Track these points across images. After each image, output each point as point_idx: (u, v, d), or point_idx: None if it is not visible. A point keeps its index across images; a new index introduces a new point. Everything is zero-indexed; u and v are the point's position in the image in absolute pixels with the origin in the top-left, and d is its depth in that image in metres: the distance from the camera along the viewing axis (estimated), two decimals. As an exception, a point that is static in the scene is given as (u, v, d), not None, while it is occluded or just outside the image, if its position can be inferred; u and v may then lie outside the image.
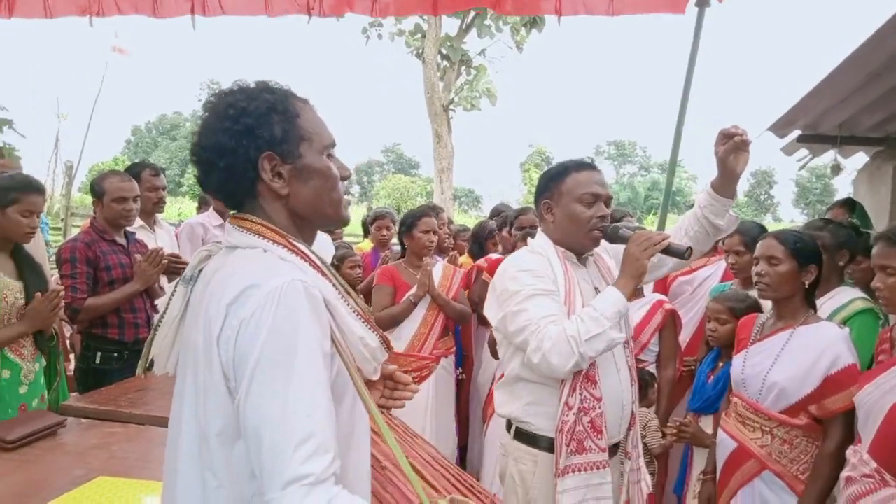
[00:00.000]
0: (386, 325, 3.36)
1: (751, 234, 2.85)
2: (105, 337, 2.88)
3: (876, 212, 4.22)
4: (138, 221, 3.22)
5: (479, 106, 16.17)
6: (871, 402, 1.75)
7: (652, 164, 52.69)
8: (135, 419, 2.30)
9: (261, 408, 0.93)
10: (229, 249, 1.10)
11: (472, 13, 14.37)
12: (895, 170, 4.36)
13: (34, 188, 2.48)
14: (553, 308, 1.85)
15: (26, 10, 4.34)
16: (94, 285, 2.84)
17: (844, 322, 2.22)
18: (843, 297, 2.35)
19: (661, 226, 3.63)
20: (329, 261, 4.00)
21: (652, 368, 2.99)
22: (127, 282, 2.90)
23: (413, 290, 3.32)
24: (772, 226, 3.75)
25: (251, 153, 1.06)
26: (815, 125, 4.30)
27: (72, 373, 3.08)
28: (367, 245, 4.91)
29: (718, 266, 3.43)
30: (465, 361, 3.73)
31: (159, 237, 3.49)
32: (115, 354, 2.88)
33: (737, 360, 2.21)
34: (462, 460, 3.62)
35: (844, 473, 1.80)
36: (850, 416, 1.94)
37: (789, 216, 44.25)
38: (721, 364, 2.65)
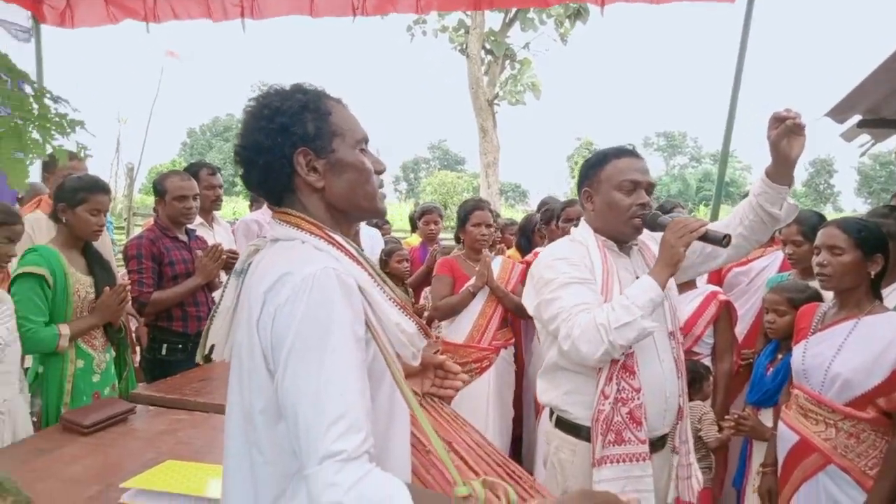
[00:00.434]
0: (445, 314, 3.40)
1: (809, 224, 2.78)
2: (170, 329, 3.01)
3: (945, 198, 4.02)
4: (198, 219, 3.34)
5: (523, 100, 16.08)
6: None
7: (703, 155, 51.32)
8: (199, 407, 2.40)
9: (296, 388, 0.97)
10: (272, 242, 1.16)
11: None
12: (965, 154, 4.15)
13: (101, 188, 2.60)
14: (587, 296, 1.83)
15: (90, 18, 4.54)
16: (159, 280, 2.97)
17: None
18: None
19: (714, 217, 3.56)
20: (378, 255, 4.07)
21: (707, 361, 2.94)
22: (189, 276, 3.02)
23: (472, 281, 3.35)
24: (832, 216, 3.61)
25: (286, 150, 1.12)
26: (877, 109, 4.11)
27: (137, 364, 3.23)
28: (414, 240, 4.96)
29: (775, 257, 3.34)
30: (515, 354, 3.74)
31: (217, 234, 3.61)
32: (180, 346, 3.00)
33: (797, 351, 2.15)
34: (517, 453, 3.63)
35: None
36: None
37: (851, 206, 42.33)
38: (780, 356, 2.58)
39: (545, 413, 2.13)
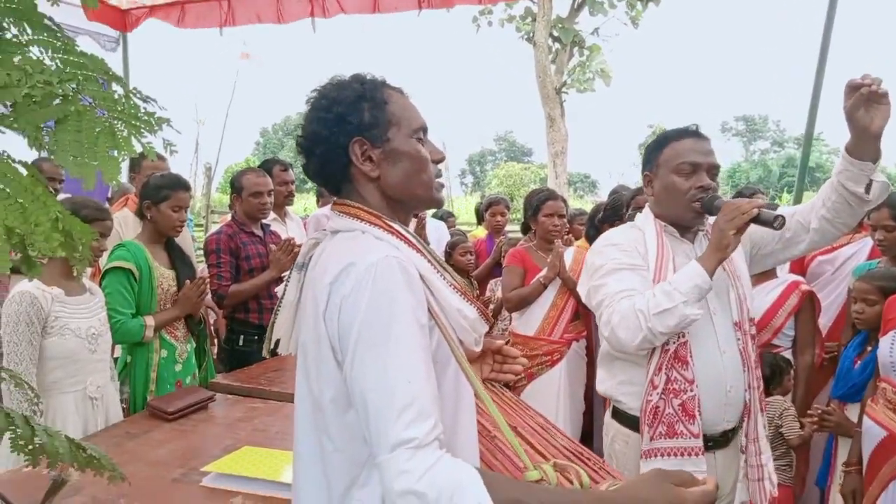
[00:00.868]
0: (515, 305, 3.38)
1: (902, 207, 2.59)
2: (247, 321, 3.13)
3: None
4: (271, 214, 3.46)
5: (592, 87, 15.73)
6: None
7: (787, 139, 48.74)
8: (273, 396, 2.50)
9: (364, 378, 0.98)
10: (333, 234, 1.17)
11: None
12: None
13: (182, 185, 2.74)
14: (633, 282, 1.77)
15: (202, 20, 4.80)
16: (236, 273, 3.10)
17: None
18: None
19: (797, 204, 3.37)
20: (443, 248, 4.09)
21: (788, 354, 2.80)
22: (264, 270, 3.13)
23: (543, 272, 3.31)
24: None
25: (342, 139, 1.13)
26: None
27: (215, 355, 3.38)
28: (481, 232, 4.95)
29: (864, 243, 3.12)
30: (587, 347, 3.68)
31: (290, 228, 3.73)
32: (256, 337, 3.12)
33: (884, 343, 2.03)
34: (587, 447, 3.58)
35: None
36: None
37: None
38: (869, 348, 2.43)
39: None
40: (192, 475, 1.78)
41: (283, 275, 3.08)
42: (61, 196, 3.19)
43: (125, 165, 3.98)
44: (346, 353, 1.01)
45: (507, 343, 1.46)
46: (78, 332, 2.21)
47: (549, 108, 14.60)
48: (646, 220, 1.92)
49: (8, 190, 0.89)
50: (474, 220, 6.04)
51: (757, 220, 1.67)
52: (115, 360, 2.57)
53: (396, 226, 1.13)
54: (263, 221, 3.30)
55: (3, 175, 0.90)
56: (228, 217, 3.44)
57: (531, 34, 15.00)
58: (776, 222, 1.64)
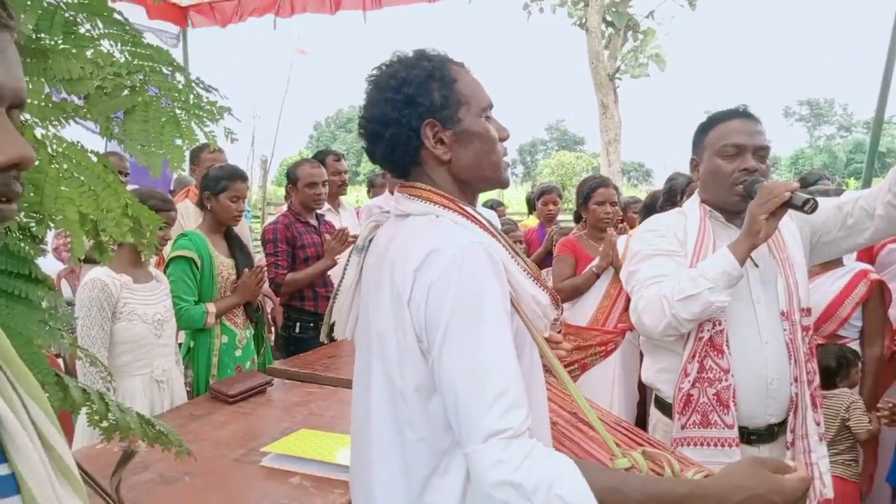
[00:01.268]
0: (568, 295, 3.33)
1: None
2: (303, 309, 3.21)
3: None
4: (325, 204, 3.53)
5: (647, 72, 15.34)
6: None
7: (854, 124, 46.47)
8: (329, 381, 2.56)
9: (454, 366, 0.96)
10: (399, 217, 1.14)
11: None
12: None
13: (239, 176, 2.82)
14: (666, 268, 1.73)
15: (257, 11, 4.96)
16: (293, 262, 3.17)
17: None
18: None
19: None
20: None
21: (855, 346, 2.69)
22: (319, 259, 3.20)
23: (596, 262, 3.26)
24: None
25: (413, 122, 1.09)
26: None
27: (273, 342, 3.48)
28: (532, 221, 4.92)
29: (939, 230, 2.96)
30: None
31: (343, 218, 3.79)
32: (311, 324, 3.20)
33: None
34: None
35: None
36: None
37: None
38: (944, 340, 2.31)
39: None
40: (251, 455, 1.84)
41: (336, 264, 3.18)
42: (129, 187, 3.33)
43: (186, 157, 4.13)
44: (434, 341, 0.99)
45: (559, 333, 1.44)
46: (145, 317, 2.31)
47: (602, 94, 14.32)
48: (692, 205, 1.87)
49: (82, 178, 0.94)
50: (524, 210, 6.00)
51: (788, 203, 1.59)
52: (180, 345, 2.67)
53: (471, 210, 1.10)
54: (318, 211, 3.37)
55: (77, 164, 0.95)
56: (284, 209, 3.52)
57: (583, 19, 14.72)
58: (807, 206, 1.57)
